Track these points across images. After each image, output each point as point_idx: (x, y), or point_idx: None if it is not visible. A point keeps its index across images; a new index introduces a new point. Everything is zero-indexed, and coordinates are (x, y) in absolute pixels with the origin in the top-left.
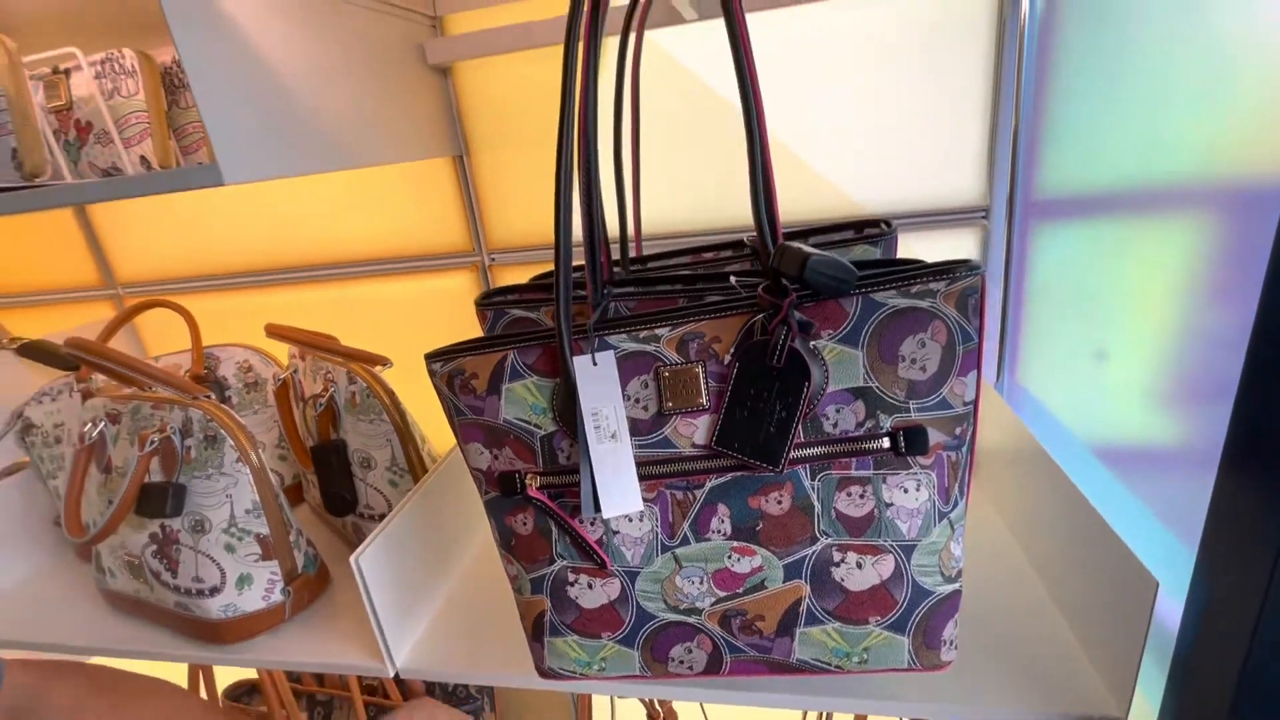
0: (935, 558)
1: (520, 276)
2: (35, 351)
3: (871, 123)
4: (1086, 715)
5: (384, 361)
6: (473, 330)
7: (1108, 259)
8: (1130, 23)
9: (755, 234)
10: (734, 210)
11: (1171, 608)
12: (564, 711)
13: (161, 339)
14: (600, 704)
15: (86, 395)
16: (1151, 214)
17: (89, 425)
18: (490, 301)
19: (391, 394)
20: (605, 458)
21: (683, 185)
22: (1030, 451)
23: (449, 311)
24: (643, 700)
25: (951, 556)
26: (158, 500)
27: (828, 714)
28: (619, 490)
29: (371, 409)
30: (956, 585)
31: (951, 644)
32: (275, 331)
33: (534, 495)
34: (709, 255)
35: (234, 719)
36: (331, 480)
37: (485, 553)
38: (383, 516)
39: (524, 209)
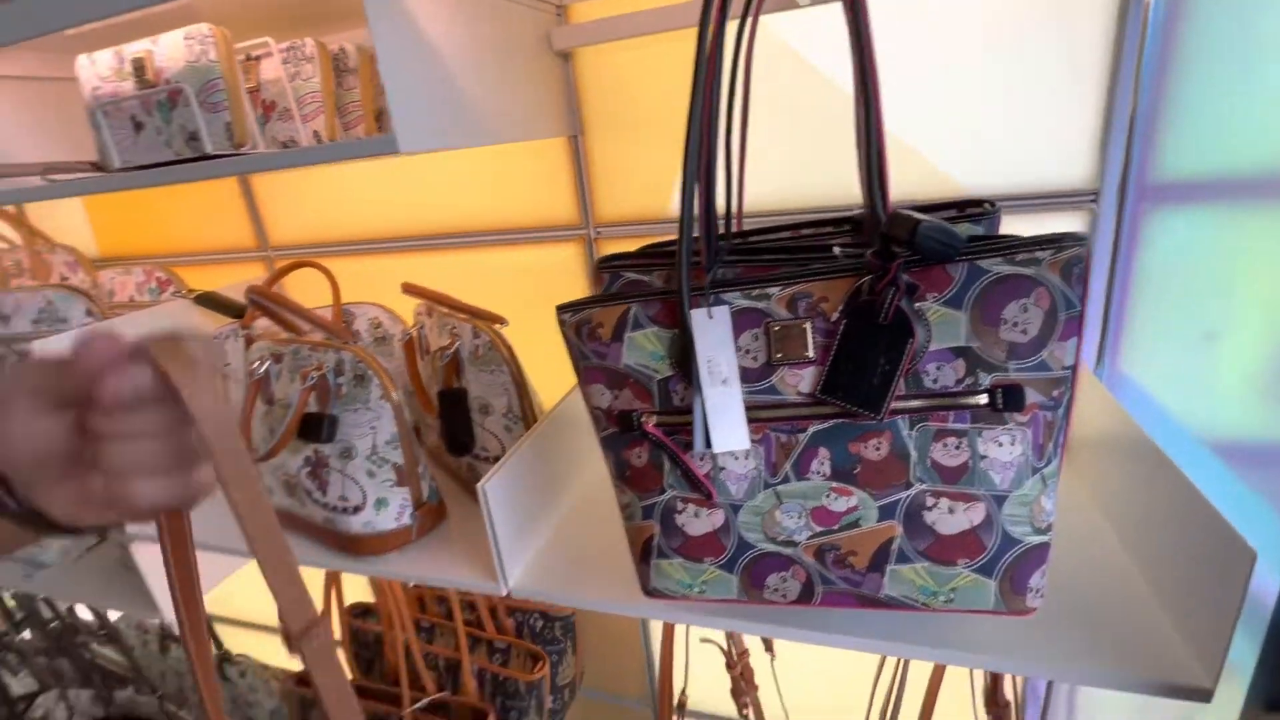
0: (1026, 509)
1: (623, 249)
2: (209, 301)
3: (979, 102)
4: (1174, 684)
5: (502, 320)
6: (576, 295)
7: (1225, 246)
8: (1262, 4)
9: (864, 207)
10: (826, 190)
11: (1266, 584)
12: (639, 661)
13: (303, 297)
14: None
15: (249, 340)
16: (1275, 201)
17: (256, 363)
18: (609, 264)
19: (510, 349)
20: (717, 400)
21: (780, 165)
22: (1128, 434)
23: (556, 279)
24: (722, 649)
25: (1043, 510)
26: (316, 427)
27: (903, 666)
28: (728, 429)
29: (492, 361)
30: (1046, 538)
31: (1038, 592)
32: (410, 289)
33: (650, 431)
34: (808, 231)
35: None
36: (454, 423)
37: (586, 495)
38: (497, 459)
39: (629, 187)
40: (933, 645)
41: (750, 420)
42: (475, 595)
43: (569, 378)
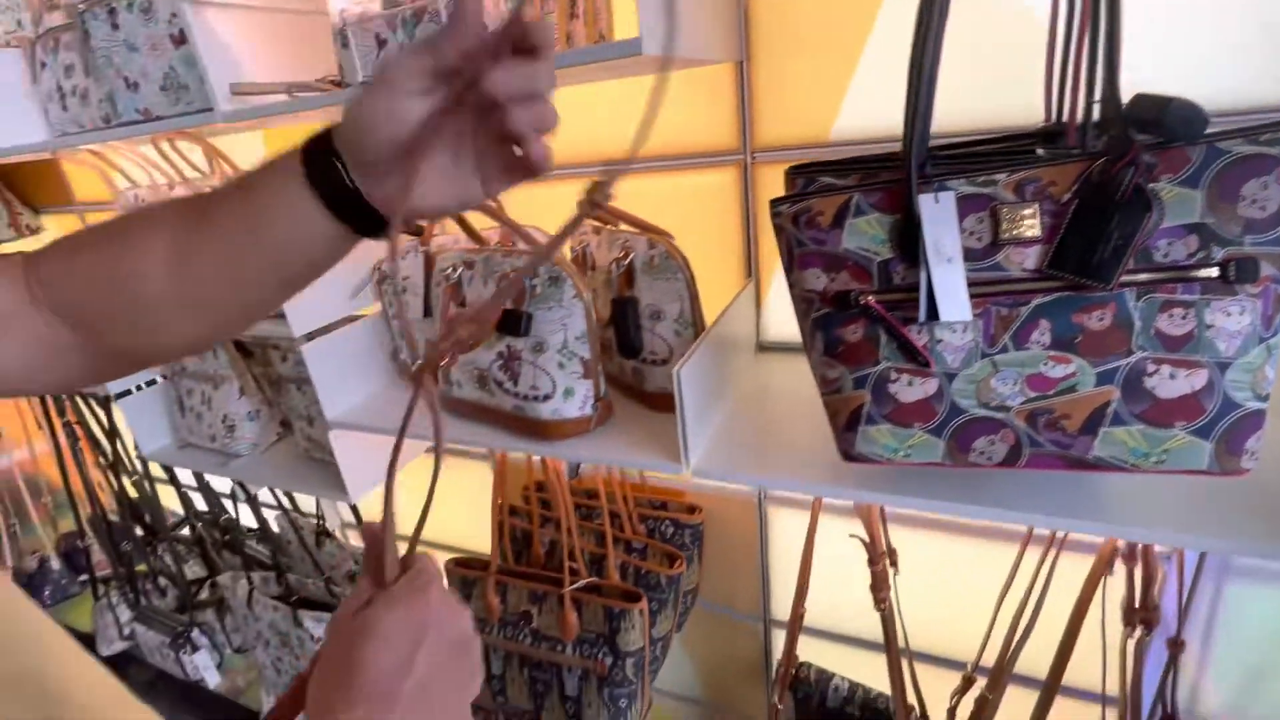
0: (1250, 375)
1: (780, 174)
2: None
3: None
4: None
5: (670, 235)
6: (729, 225)
7: None
8: None
9: (1101, 98)
10: (986, 114)
11: None
12: (754, 577)
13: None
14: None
15: (427, 256)
16: None
17: (449, 269)
18: (803, 170)
19: (685, 258)
20: (941, 277)
21: (966, 85)
22: None
23: (708, 205)
24: (864, 542)
25: (1265, 378)
26: (514, 322)
27: (1060, 540)
28: (952, 303)
29: (668, 270)
30: (1265, 405)
31: (1253, 455)
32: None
33: (873, 306)
34: (1000, 145)
35: None
36: (625, 328)
37: (743, 400)
38: (665, 361)
39: (788, 112)
40: (1125, 523)
41: (972, 295)
42: (617, 501)
43: (717, 299)
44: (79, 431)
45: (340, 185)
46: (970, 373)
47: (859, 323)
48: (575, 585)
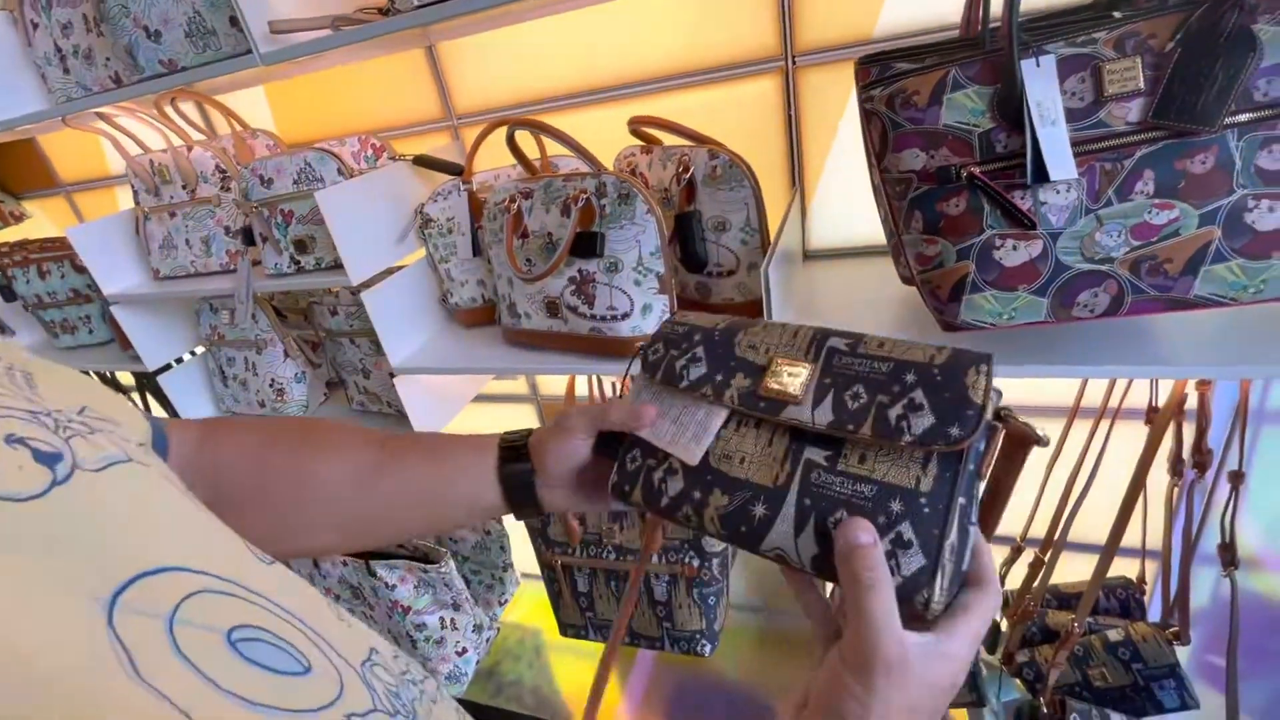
0: None
1: (827, 77)
2: (427, 161)
3: None
4: None
5: (725, 147)
6: (771, 135)
7: None
8: None
9: None
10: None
11: None
12: None
13: (489, 157)
14: None
15: (471, 194)
16: None
17: (505, 201)
18: (875, 59)
19: (749, 165)
20: (1047, 138)
21: None
22: None
23: (749, 115)
24: None
25: None
26: (589, 243)
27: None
28: (1058, 163)
29: (732, 178)
30: None
31: None
32: (640, 121)
33: (978, 176)
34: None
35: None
36: (690, 242)
37: (802, 301)
38: (731, 273)
39: (830, 11)
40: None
41: (1076, 155)
42: None
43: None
44: None
45: (525, 485)
46: (1075, 229)
47: (961, 195)
48: None
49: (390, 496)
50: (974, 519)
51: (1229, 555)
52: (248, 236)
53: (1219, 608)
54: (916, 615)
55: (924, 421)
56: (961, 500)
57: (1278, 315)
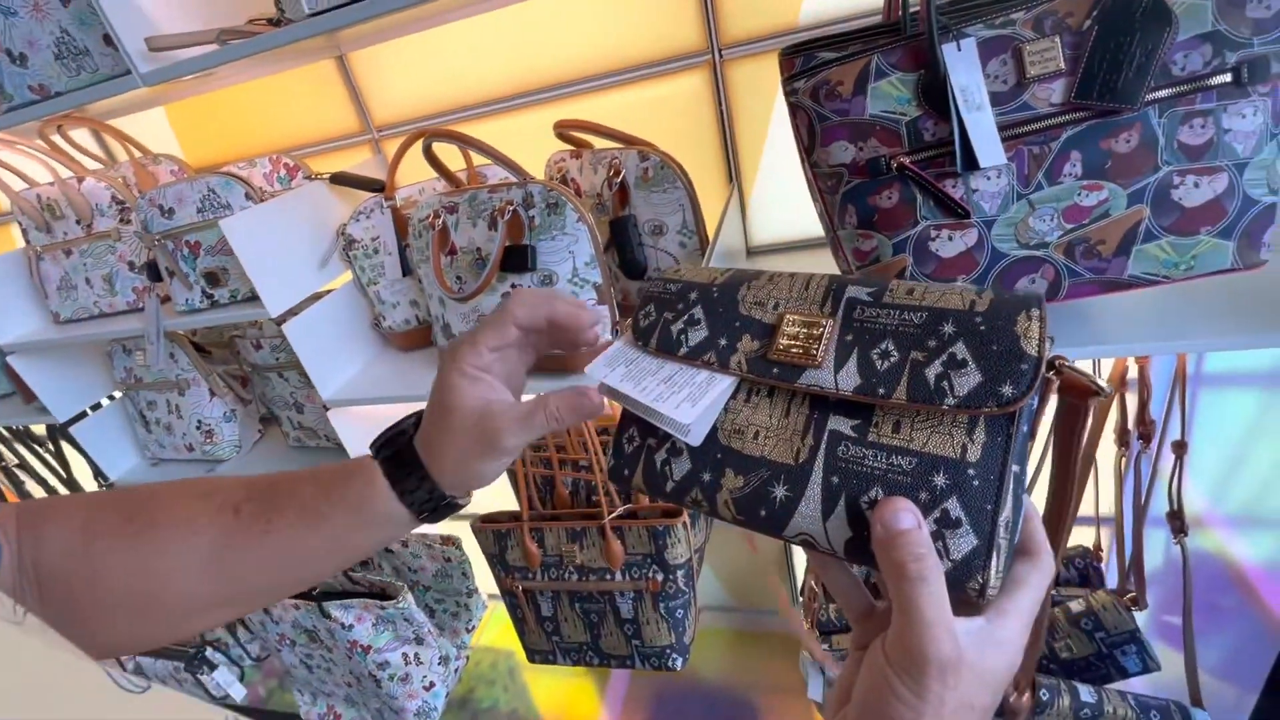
0: (1264, 172)
1: (756, 69)
2: (345, 179)
3: None
4: None
5: (655, 147)
6: (704, 131)
7: None
8: None
9: None
10: None
11: None
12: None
13: (411, 170)
14: None
15: (395, 210)
16: None
17: (429, 218)
18: (799, 49)
19: (681, 166)
20: (974, 124)
21: None
22: None
23: (681, 112)
24: None
25: (1276, 173)
26: (519, 257)
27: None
28: (987, 149)
29: (665, 180)
30: (1277, 198)
31: (1269, 246)
32: (566, 124)
33: (908, 167)
34: None
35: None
36: (627, 248)
37: None
38: None
39: (752, 2)
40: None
41: (1002, 139)
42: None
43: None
44: (22, 475)
45: (434, 502)
46: (1008, 216)
47: (893, 187)
48: (615, 514)
49: (266, 566)
50: (1026, 484)
51: (1178, 523)
52: (153, 272)
53: (1171, 568)
54: (968, 601)
55: (969, 380)
56: (1015, 468)
57: (1206, 289)
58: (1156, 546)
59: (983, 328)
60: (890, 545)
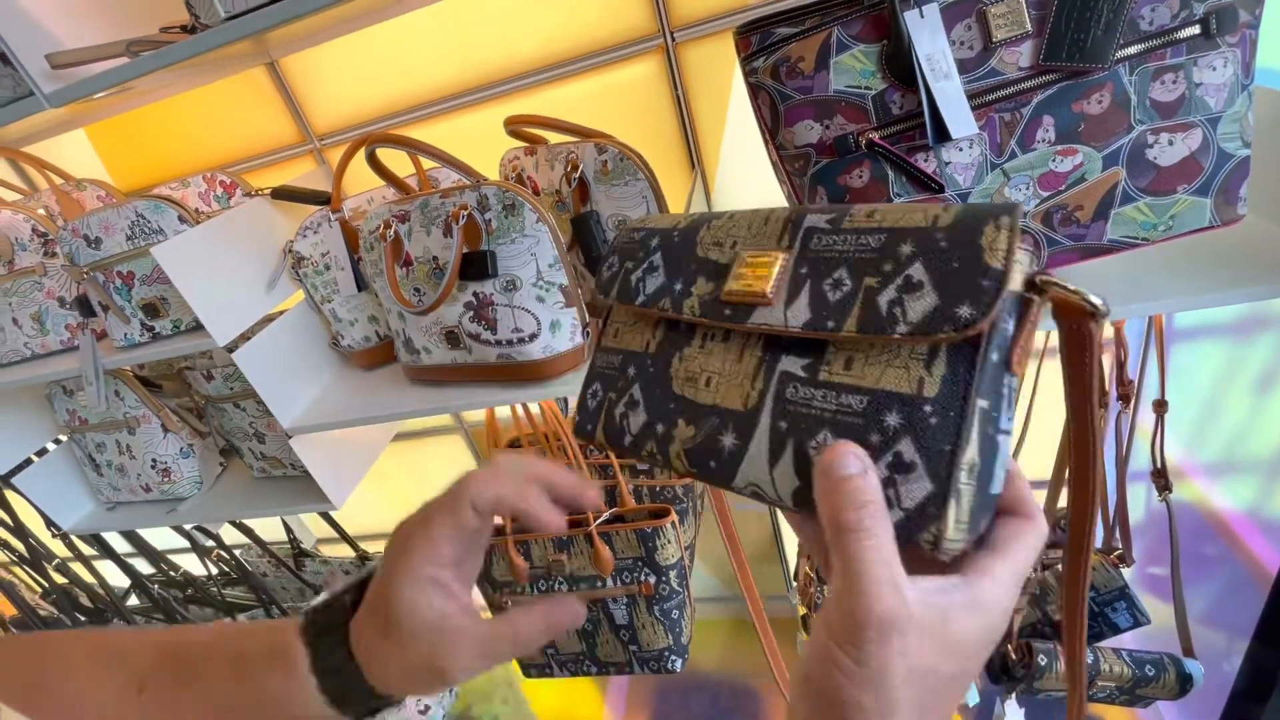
0: (1237, 125)
1: (713, 48)
2: (288, 194)
3: None
4: None
5: (612, 138)
6: (662, 118)
7: None
8: None
9: None
10: None
11: None
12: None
13: (357, 179)
14: None
15: (343, 222)
16: None
17: (380, 228)
18: (755, 26)
19: (641, 156)
20: (942, 93)
21: None
22: None
23: (636, 99)
24: None
25: (1249, 125)
26: (478, 264)
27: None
28: (956, 119)
29: (625, 172)
30: (1250, 151)
31: (1245, 200)
32: (517, 120)
33: (877, 142)
34: None
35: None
36: (591, 247)
37: None
38: None
39: None
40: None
41: (973, 107)
42: None
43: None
44: None
45: (363, 697)
46: (983, 187)
47: (864, 165)
48: (601, 519)
49: None
50: (1006, 426)
51: (1162, 481)
52: (85, 307)
53: (1151, 520)
54: (928, 559)
55: (923, 304)
56: (982, 403)
57: (1175, 248)
58: (1136, 500)
59: (943, 244)
60: (828, 494)
